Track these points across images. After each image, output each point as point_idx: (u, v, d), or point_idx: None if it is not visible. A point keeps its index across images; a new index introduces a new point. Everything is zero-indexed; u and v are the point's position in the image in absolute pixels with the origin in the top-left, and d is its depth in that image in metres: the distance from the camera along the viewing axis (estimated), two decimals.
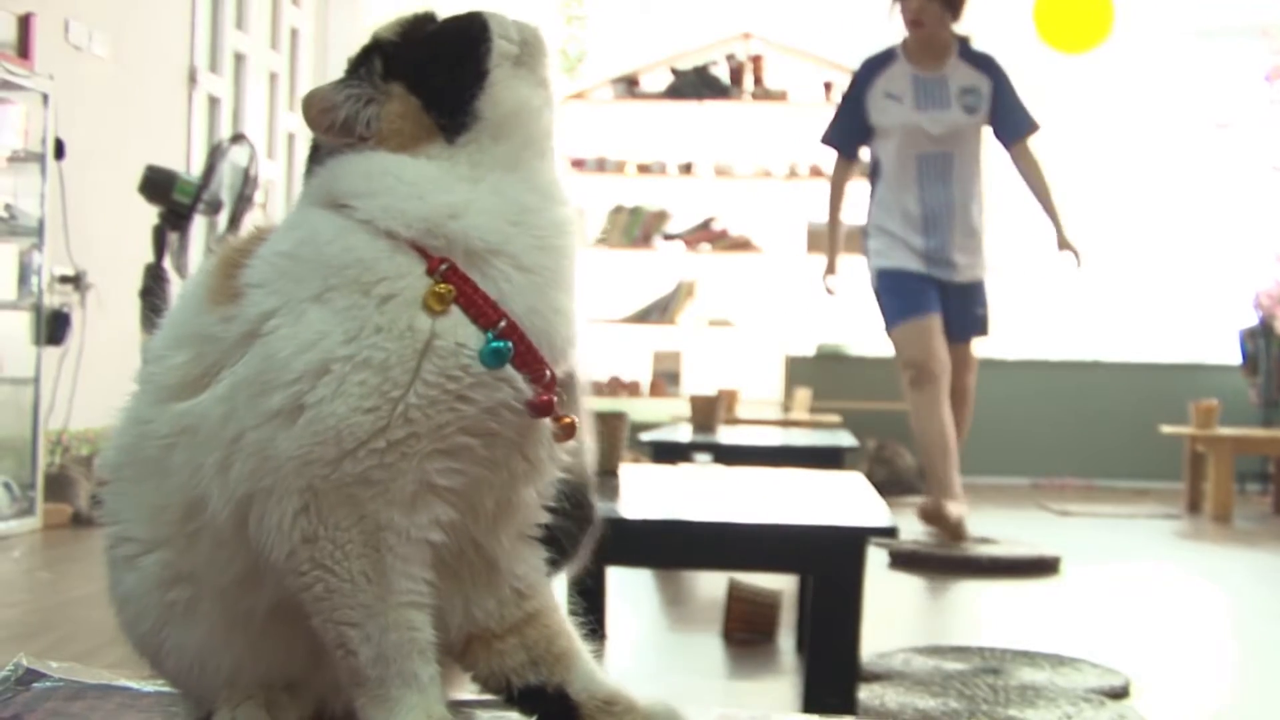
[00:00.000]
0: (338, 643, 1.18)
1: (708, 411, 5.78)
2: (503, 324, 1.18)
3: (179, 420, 1.23)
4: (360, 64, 1.26)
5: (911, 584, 5.41)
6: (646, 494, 3.09)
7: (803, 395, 9.24)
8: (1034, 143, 6.80)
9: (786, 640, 4.11)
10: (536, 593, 1.27)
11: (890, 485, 8.58)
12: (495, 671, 1.26)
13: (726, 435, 5.75)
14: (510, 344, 1.17)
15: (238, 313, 1.21)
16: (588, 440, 1.34)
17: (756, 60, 10.43)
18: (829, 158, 6.83)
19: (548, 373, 1.20)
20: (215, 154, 6.58)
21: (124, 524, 1.28)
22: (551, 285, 1.21)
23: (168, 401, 1.25)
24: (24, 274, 5.86)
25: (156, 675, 1.33)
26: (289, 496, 1.16)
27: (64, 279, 6.23)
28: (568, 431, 1.23)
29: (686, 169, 10.35)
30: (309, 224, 1.23)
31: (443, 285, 1.17)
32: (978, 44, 6.63)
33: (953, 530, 6.05)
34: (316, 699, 1.28)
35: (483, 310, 1.17)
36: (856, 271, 10.43)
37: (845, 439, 5.81)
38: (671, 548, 2.72)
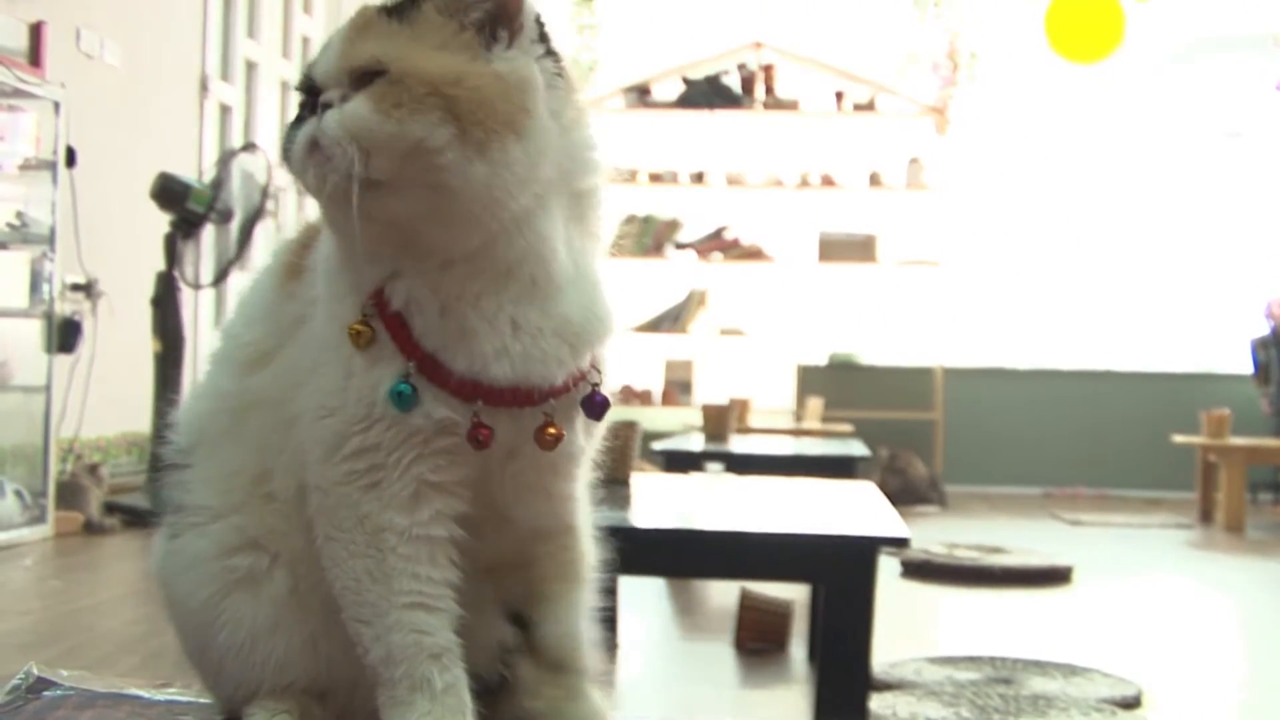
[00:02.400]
0: (356, 640, 1.17)
1: (720, 420, 5.77)
2: (411, 364, 1.14)
3: (250, 393, 1.25)
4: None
5: (923, 593, 5.40)
6: (658, 503, 3.09)
7: (815, 404, 9.22)
8: None
9: (798, 650, 4.10)
10: (553, 537, 1.26)
11: (903, 495, 8.56)
12: (502, 598, 1.25)
13: (738, 444, 5.74)
14: (412, 388, 1.13)
15: (299, 291, 1.23)
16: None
17: (768, 69, 10.43)
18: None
19: (479, 404, 1.15)
20: (224, 162, 6.59)
21: (193, 494, 1.27)
22: (469, 329, 1.14)
23: (243, 376, 1.26)
24: (35, 282, 5.87)
25: (195, 658, 1.29)
26: (311, 493, 1.18)
27: (75, 287, 6.24)
28: (549, 441, 1.19)
29: (698, 178, 10.35)
30: None
31: (358, 324, 1.14)
32: None
33: None
34: (341, 709, 1.27)
35: (402, 347, 1.14)
36: (861, 280, 10.47)
37: (857, 448, 5.79)
38: (683, 557, 2.71)
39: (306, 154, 1.09)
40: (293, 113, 1.15)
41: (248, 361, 1.26)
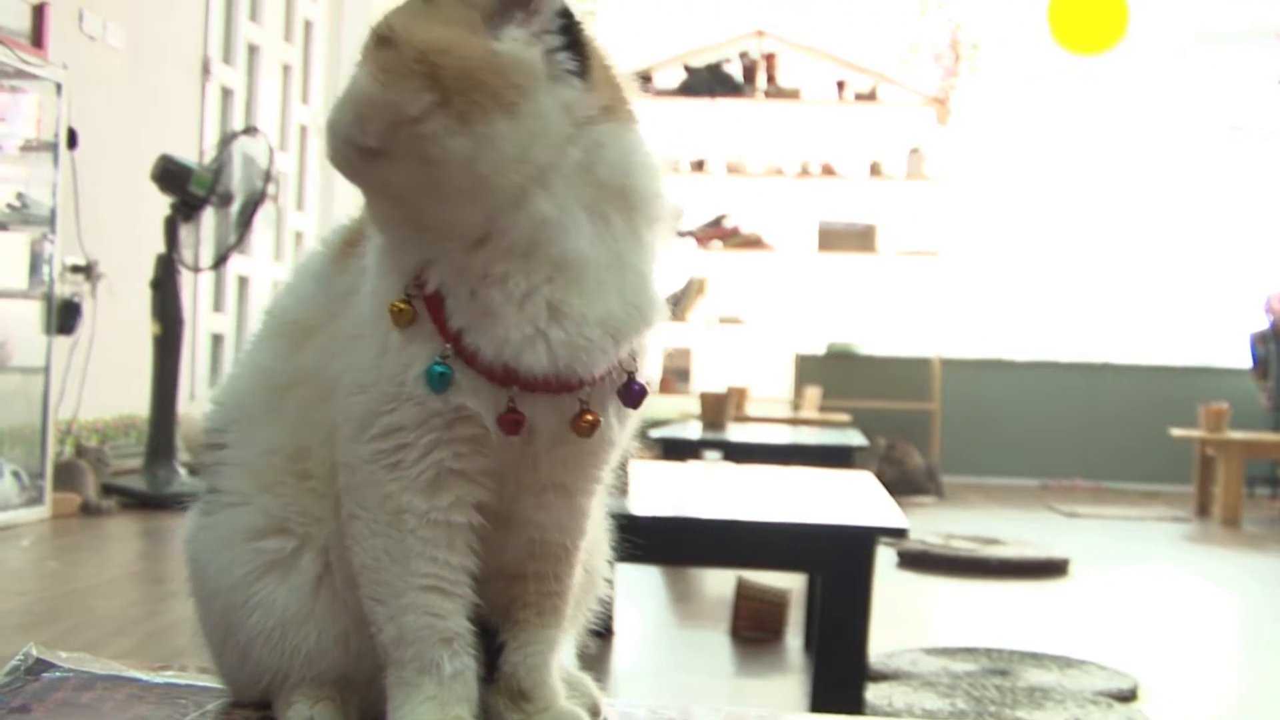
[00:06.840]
0: (370, 618, 1.17)
1: (717, 409, 5.78)
2: (448, 346, 1.12)
3: (296, 370, 1.24)
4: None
5: (920, 584, 5.40)
6: (656, 491, 3.09)
7: (812, 394, 9.24)
8: None
9: (794, 639, 4.11)
10: (549, 558, 1.24)
11: (899, 485, 8.57)
12: (488, 604, 1.22)
13: (736, 433, 5.75)
14: (451, 370, 1.12)
15: (353, 263, 1.21)
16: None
17: (770, 58, 10.43)
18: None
19: (515, 390, 1.13)
20: (226, 145, 6.59)
21: (227, 478, 1.26)
22: (493, 311, 1.12)
23: (289, 354, 1.25)
24: (35, 263, 5.86)
25: (219, 639, 1.27)
26: (340, 469, 1.18)
27: (75, 269, 6.24)
28: (585, 428, 1.19)
29: (698, 166, 10.35)
30: None
31: (400, 302, 1.13)
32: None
33: None
34: (362, 697, 1.26)
35: (440, 328, 1.13)
36: (860, 270, 10.47)
37: (855, 438, 5.80)
38: (680, 545, 2.72)
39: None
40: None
41: (294, 337, 1.25)
